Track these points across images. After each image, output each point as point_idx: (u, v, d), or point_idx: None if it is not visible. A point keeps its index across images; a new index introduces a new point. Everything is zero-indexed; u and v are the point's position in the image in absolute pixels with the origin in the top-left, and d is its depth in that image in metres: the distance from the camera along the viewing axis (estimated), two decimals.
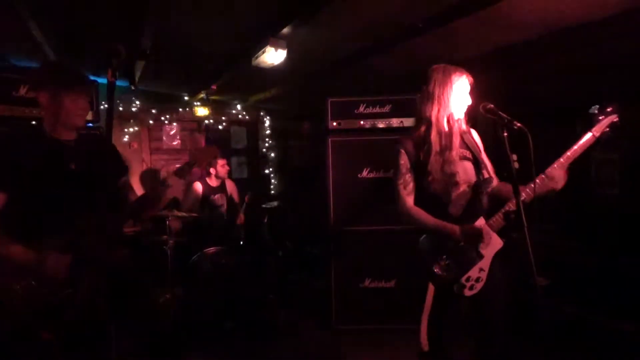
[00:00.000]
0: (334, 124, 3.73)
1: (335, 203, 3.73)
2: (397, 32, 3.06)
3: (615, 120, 1.93)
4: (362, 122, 3.72)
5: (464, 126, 2.14)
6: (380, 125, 3.70)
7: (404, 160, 2.09)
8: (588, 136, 1.96)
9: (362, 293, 3.69)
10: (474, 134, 2.23)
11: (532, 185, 1.92)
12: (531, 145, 1.75)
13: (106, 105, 1.52)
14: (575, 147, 1.96)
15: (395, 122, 3.69)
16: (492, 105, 1.94)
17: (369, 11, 2.79)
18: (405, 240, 3.49)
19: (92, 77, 3.18)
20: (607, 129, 1.94)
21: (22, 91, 2.74)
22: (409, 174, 2.08)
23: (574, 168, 2.00)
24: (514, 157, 1.84)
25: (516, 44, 3.06)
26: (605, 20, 2.58)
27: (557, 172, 1.95)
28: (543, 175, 1.95)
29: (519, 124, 1.80)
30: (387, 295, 3.66)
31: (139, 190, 2.46)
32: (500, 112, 1.85)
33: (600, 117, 1.95)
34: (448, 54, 2.78)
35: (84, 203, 1.76)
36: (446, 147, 2.03)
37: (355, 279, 3.70)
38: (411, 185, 2.09)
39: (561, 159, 1.96)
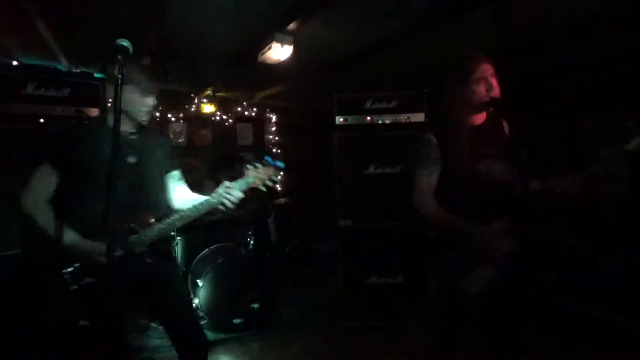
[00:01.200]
0: (340, 119, 3.71)
1: (341, 199, 3.72)
2: (404, 27, 3.04)
3: None
4: (368, 118, 3.70)
5: (489, 120, 2.04)
6: (387, 121, 3.68)
7: (433, 151, 1.96)
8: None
9: (369, 289, 3.68)
10: (505, 126, 2.12)
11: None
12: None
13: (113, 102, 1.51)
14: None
15: (402, 117, 3.66)
16: (499, 98, 1.92)
17: (375, 6, 2.77)
18: (411, 236, 3.56)
19: (99, 75, 3.20)
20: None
21: (30, 89, 2.74)
22: (436, 166, 1.97)
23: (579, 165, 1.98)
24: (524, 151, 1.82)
25: (525, 38, 3.03)
26: (612, 15, 2.55)
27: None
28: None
29: (526, 117, 1.77)
30: (394, 292, 3.65)
31: None
32: (508, 105, 1.83)
33: None
34: (456, 49, 2.75)
35: (136, 197, 1.87)
36: (469, 144, 1.92)
37: (362, 275, 3.70)
38: (434, 178, 1.97)
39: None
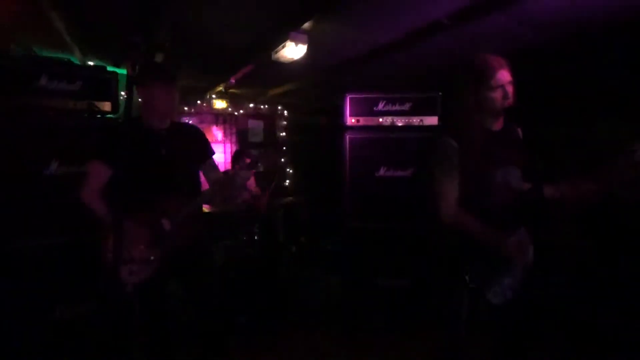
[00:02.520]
0: (352, 120, 3.67)
1: (350, 200, 3.68)
2: (420, 28, 3.00)
3: None
4: (380, 120, 3.65)
5: (505, 127, 2.00)
6: (400, 123, 3.64)
7: (454, 155, 1.88)
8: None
9: (375, 291, 3.65)
10: (519, 132, 2.07)
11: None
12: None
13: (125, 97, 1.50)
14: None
15: (415, 120, 3.62)
16: (514, 105, 1.87)
17: (391, 6, 2.72)
18: (420, 239, 3.52)
19: (111, 68, 3.19)
20: None
21: (44, 81, 2.74)
22: (456, 171, 1.89)
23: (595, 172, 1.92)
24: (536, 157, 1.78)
25: (543, 43, 2.97)
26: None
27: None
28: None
29: (540, 125, 1.71)
30: (400, 294, 3.62)
31: None
32: (522, 111, 1.78)
33: None
34: (472, 52, 2.70)
35: (168, 184, 2.17)
36: (485, 149, 1.87)
37: (369, 277, 3.66)
38: (457, 183, 1.89)
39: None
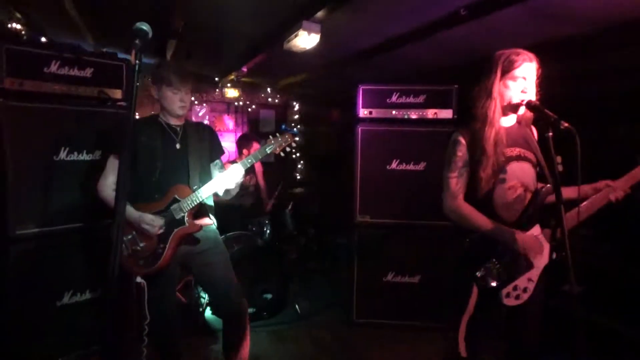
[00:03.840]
0: (365, 112, 3.60)
1: (361, 194, 3.63)
2: (437, 19, 2.91)
3: None
4: (394, 112, 3.58)
5: (524, 124, 1.96)
6: (413, 116, 3.56)
7: (462, 152, 1.89)
8: None
9: (384, 287, 3.60)
10: (534, 131, 2.02)
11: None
12: (578, 148, 1.60)
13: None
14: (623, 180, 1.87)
15: (429, 113, 3.54)
16: (537, 102, 1.80)
17: None
18: (431, 236, 3.46)
19: (123, 56, 3.17)
20: None
21: (54, 67, 2.72)
22: (465, 168, 1.90)
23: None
24: (559, 159, 1.71)
25: (569, 38, 2.86)
26: None
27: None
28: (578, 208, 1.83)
29: (566, 124, 1.64)
30: (410, 291, 3.57)
31: None
32: (546, 110, 1.71)
33: None
34: (491, 45, 2.62)
35: (181, 177, 2.32)
36: (501, 146, 1.85)
37: (378, 273, 3.62)
38: (465, 180, 1.90)
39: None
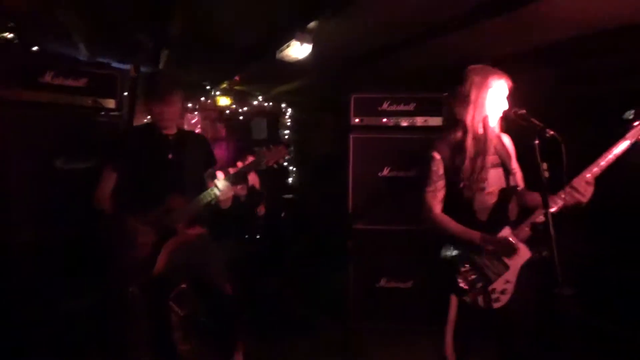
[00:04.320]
0: (357, 120, 3.66)
1: (354, 200, 3.68)
2: (426, 28, 2.98)
3: None
4: (385, 120, 3.64)
5: (497, 131, 2.07)
6: (404, 123, 3.62)
7: (437, 167, 2.02)
8: (623, 144, 1.84)
9: (378, 292, 3.64)
10: (506, 139, 2.15)
11: (562, 196, 1.85)
12: (564, 155, 1.66)
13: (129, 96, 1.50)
14: (609, 156, 1.85)
15: (419, 120, 3.60)
16: (524, 111, 1.87)
17: (398, 6, 2.71)
18: (423, 241, 3.49)
19: (117, 65, 3.19)
20: None
21: (48, 77, 2.74)
22: (441, 182, 2.02)
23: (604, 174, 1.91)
24: (544, 166, 1.76)
25: (554, 43, 2.94)
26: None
27: (584, 184, 1.84)
28: (569, 188, 1.85)
29: (552, 132, 1.71)
30: (403, 296, 3.61)
31: None
32: (532, 119, 1.78)
33: (636, 123, 1.85)
34: (478, 53, 2.69)
35: (174, 187, 2.30)
36: (480, 153, 1.96)
37: (371, 278, 3.66)
38: (442, 193, 2.02)
39: (589, 171, 1.85)
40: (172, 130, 2.45)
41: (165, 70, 4.13)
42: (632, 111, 1.90)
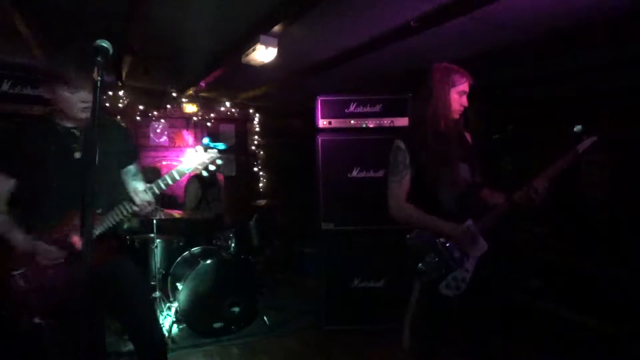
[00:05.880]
0: (324, 122, 3.70)
1: (324, 202, 3.71)
2: (389, 31, 3.04)
3: (596, 140, 1.94)
4: (352, 122, 3.70)
5: (459, 127, 2.14)
6: (371, 124, 3.69)
7: (402, 157, 2.06)
8: (573, 152, 1.96)
9: (351, 293, 3.67)
10: (467, 135, 2.24)
11: (517, 193, 1.93)
12: (515, 151, 1.75)
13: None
14: (560, 162, 1.96)
15: (386, 121, 3.68)
16: (484, 108, 1.95)
17: (361, 10, 2.76)
18: (394, 240, 3.54)
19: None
20: (589, 146, 1.95)
21: (5, 87, 2.65)
22: (406, 171, 2.05)
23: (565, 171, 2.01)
24: (505, 161, 1.85)
25: (511, 45, 3.06)
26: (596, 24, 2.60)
27: (542, 187, 1.93)
28: (527, 187, 1.93)
29: (510, 127, 1.80)
30: (376, 295, 3.66)
31: None
32: (490, 116, 1.86)
33: (584, 137, 1.97)
34: (440, 54, 2.76)
35: (83, 194, 1.70)
36: (442, 148, 2.01)
37: (344, 279, 3.69)
38: (407, 183, 2.06)
39: (547, 174, 1.95)
40: (81, 123, 1.93)
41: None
42: (580, 126, 2.09)
